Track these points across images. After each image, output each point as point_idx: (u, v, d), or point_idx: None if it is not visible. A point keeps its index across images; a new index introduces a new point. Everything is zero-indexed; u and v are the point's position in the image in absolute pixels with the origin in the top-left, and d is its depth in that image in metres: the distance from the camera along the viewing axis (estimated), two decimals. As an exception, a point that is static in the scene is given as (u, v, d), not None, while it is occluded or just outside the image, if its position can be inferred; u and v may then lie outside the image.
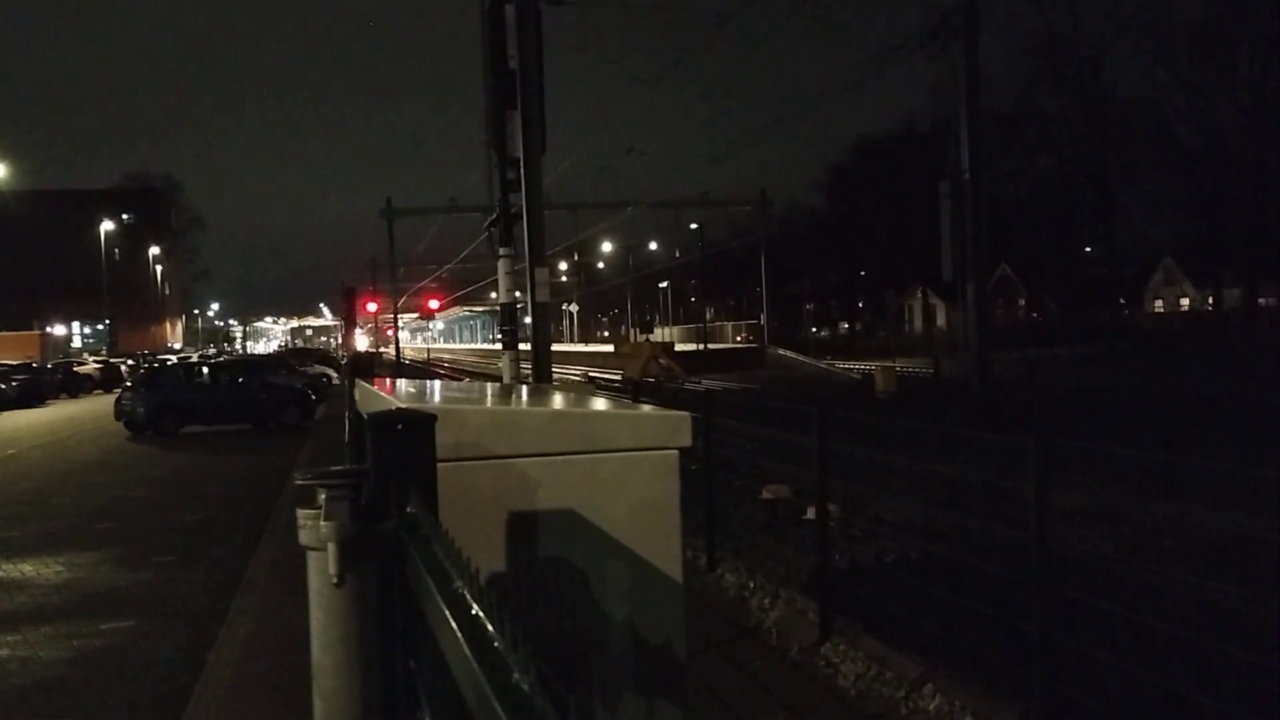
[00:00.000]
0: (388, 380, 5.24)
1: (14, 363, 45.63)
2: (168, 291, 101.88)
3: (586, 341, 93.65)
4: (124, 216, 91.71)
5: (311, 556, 2.18)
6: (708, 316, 77.02)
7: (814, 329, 72.34)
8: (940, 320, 69.42)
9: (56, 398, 42.68)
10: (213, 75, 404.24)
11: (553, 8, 14.06)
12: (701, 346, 58.18)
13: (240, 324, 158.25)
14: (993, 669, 5.63)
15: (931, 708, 5.39)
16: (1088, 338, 48.48)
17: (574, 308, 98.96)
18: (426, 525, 1.73)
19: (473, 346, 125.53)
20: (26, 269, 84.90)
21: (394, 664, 2.05)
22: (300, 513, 2.17)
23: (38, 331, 73.07)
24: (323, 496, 2.12)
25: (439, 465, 2.23)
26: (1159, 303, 71.16)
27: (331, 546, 2.07)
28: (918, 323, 73.00)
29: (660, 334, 66.97)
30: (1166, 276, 69.85)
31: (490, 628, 1.17)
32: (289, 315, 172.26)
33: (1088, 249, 66.24)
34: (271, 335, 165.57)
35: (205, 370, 28.65)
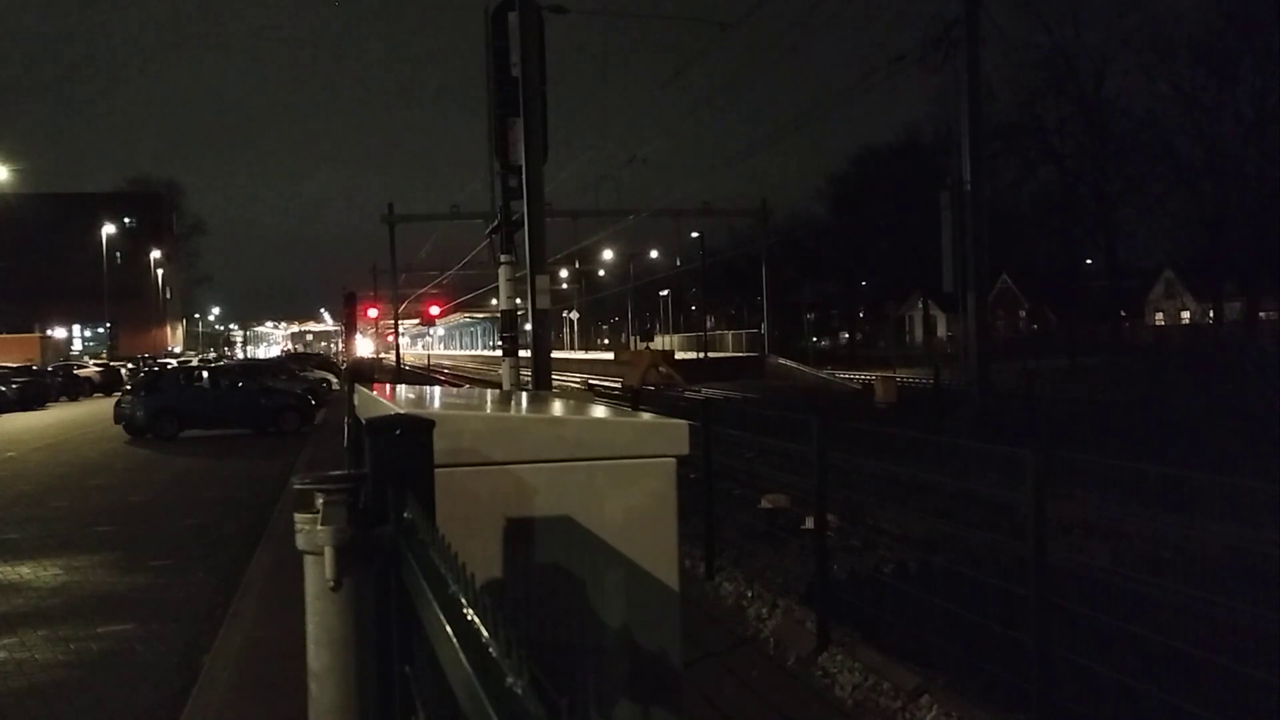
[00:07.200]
0: (387, 386, 5.25)
1: (15, 365, 45.65)
2: (168, 295, 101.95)
3: (587, 349, 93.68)
4: (126, 220, 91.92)
5: (308, 561, 2.19)
6: (708, 325, 77.01)
7: (814, 338, 72.33)
8: (941, 331, 69.47)
9: (57, 400, 42.67)
10: (216, 80, 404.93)
11: (555, 16, 14.11)
12: (702, 355, 58.18)
13: (241, 328, 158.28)
14: (990, 680, 5.63)
15: (929, 718, 5.38)
16: (1088, 349, 48.45)
17: (574, 315, 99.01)
18: (423, 530, 1.73)
19: (473, 353, 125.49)
20: (28, 272, 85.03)
21: (389, 668, 2.05)
22: (298, 517, 2.17)
23: (39, 334, 73.08)
24: (320, 501, 2.12)
25: (437, 471, 2.23)
26: (1159, 315, 71.13)
27: (328, 551, 2.08)
28: (918, 333, 73.05)
29: (660, 342, 66.96)
30: (1167, 289, 69.86)
31: (485, 633, 1.17)
32: (290, 320, 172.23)
33: (1088, 261, 66.33)
34: (272, 340, 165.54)
35: (205, 375, 28.66)
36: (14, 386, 38.90)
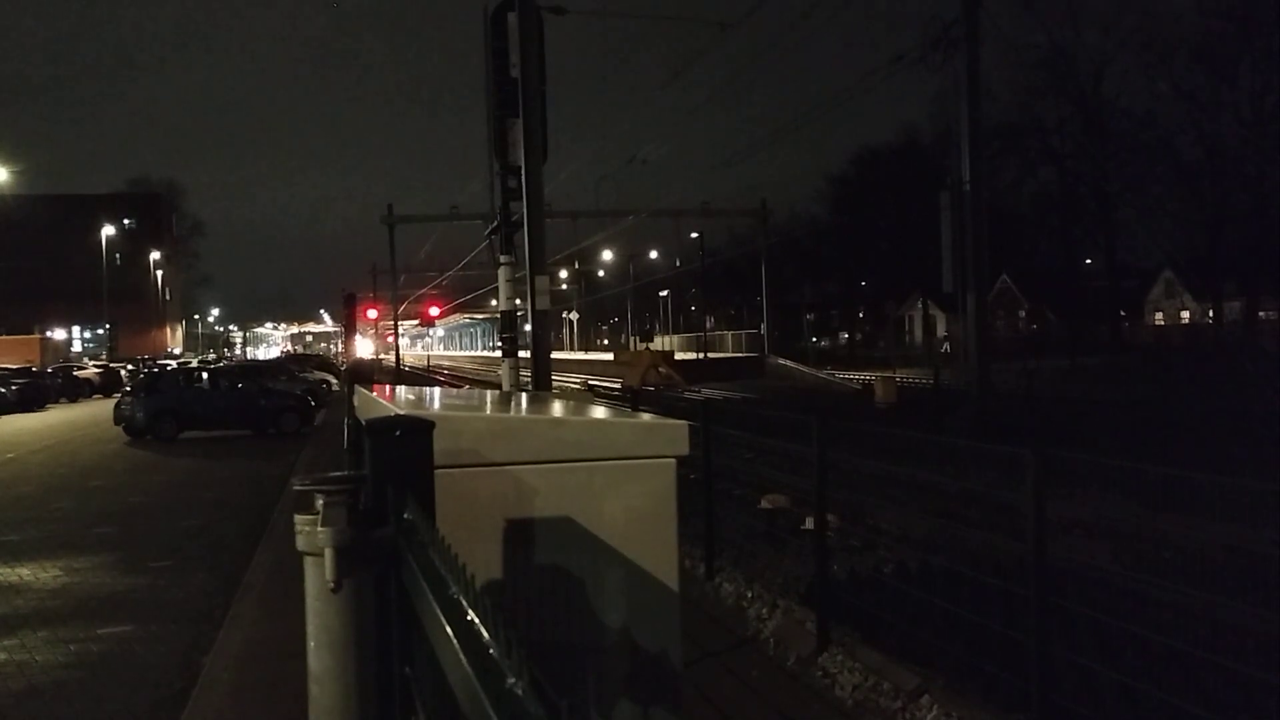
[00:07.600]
0: (387, 387, 5.25)
1: (14, 367, 45.64)
2: (168, 296, 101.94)
3: (586, 349, 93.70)
4: (126, 222, 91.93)
5: (308, 562, 2.19)
6: (708, 325, 76.99)
7: (814, 339, 72.33)
8: (941, 331, 69.46)
9: (56, 402, 42.66)
10: (216, 80, 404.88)
11: (555, 16, 14.12)
12: (701, 355, 58.17)
13: (240, 329, 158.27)
14: (990, 680, 5.63)
15: (929, 718, 5.38)
16: (1088, 349, 48.45)
17: (574, 315, 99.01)
18: (423, 531, 1.73)
19: (473, 354, 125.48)
20: (28, 273, 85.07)
21: (389, 669, 2.05)
22: (298, 518, 2.17)
23: (38, 336, 73.11)
24: (320, 502, 2.12)
25: (437, 472, 2.23)
26: (1159, 315, 71.13)
27: (328, 552, 2.08)
28: (918, 333, 73.05)
29: (660, 342, 67.01)
30: (1167, 289, 69.85)
31: (485, 633, 1.17)
32: (290, 321, 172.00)
33: (1088, 261, 66.36)
34: (272, 341, 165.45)
35: (205, 376, 28.66)
36: (14, 388, 38.88)
